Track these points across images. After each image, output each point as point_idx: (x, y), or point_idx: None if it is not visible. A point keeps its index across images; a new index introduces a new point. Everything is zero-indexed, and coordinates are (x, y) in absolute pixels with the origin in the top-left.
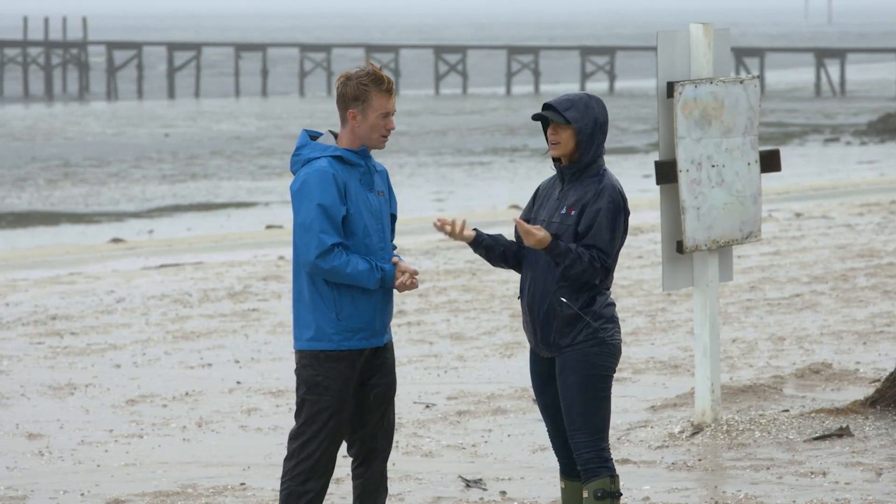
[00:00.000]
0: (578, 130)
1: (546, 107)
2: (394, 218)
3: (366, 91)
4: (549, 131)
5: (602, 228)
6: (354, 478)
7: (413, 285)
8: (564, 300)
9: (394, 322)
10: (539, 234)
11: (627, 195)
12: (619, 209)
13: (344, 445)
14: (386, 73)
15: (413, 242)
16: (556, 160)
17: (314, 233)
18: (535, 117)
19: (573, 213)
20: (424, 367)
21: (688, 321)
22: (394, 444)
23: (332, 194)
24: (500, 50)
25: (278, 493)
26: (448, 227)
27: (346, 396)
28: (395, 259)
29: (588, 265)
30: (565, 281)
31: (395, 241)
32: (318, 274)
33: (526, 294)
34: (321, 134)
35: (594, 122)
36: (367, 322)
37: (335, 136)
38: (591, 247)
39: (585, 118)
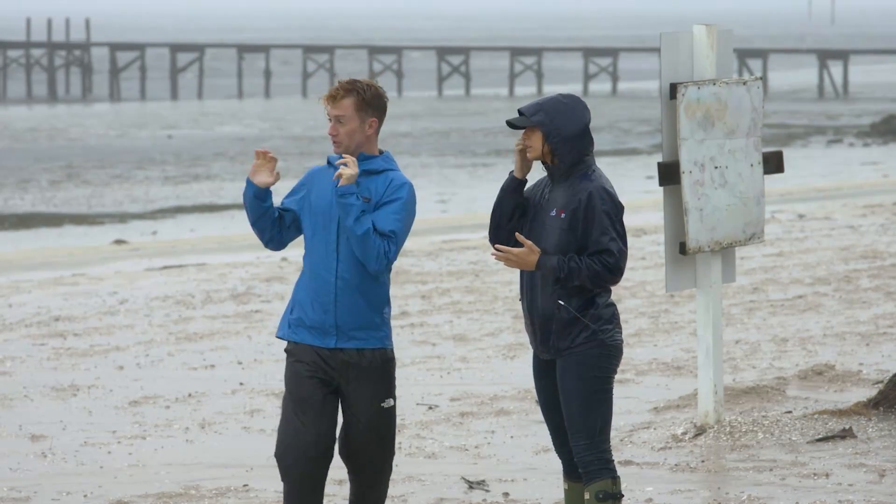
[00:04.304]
0: (547, 133)
1: (520, 112)
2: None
3: None
4: (523, 135)
5: (600, 232)
6: (350, 481)
7: (346, 168)
8: (562, 303)
9: (397, 323)
10: (528, 258)
11: (630, 197)
12: (610, 209)
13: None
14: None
15: (416, 244)
16: (543, 162)
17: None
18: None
19: (563, 215)
20: (427, 368)
21: (691, 322)
22: (396, 445)
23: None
24: (504, 51)
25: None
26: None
27: (298, 391)
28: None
29: (589, 273)
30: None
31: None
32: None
33: (525, 297)
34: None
35: (568, 124)
36: (314, 319)
37: None
38: (594, 253)
39: (555, 120)
